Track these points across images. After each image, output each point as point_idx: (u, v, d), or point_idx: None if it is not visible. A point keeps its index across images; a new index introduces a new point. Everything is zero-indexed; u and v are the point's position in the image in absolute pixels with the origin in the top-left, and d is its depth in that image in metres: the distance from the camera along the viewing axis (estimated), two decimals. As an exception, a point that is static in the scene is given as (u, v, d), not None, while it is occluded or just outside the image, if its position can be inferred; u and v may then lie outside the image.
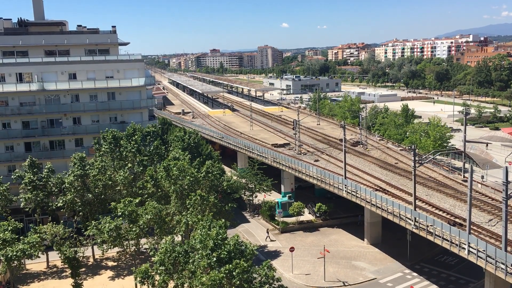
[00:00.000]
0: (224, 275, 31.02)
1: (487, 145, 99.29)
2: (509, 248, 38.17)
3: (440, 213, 48.59)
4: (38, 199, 57.00)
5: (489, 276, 39.96)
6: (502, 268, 36.57)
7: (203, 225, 35.84)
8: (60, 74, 66.84)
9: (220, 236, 33.58)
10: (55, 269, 56.01)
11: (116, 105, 69.07)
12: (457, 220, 46.35)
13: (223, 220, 37.03)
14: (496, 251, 37.04)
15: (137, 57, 71.79)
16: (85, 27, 76.12)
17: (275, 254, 57.68)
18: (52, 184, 57.86)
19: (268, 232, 63.24)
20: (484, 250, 38.14)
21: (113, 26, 73.09)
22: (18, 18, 74.15)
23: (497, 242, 40.39)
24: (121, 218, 47.92)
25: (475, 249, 39.18)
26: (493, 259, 37.22)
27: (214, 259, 32.26)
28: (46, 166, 58.93)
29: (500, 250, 37.04)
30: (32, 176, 56.94)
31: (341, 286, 49.50)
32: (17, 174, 58.28)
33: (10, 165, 65.23)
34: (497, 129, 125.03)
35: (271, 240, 61.99)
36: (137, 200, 49.95)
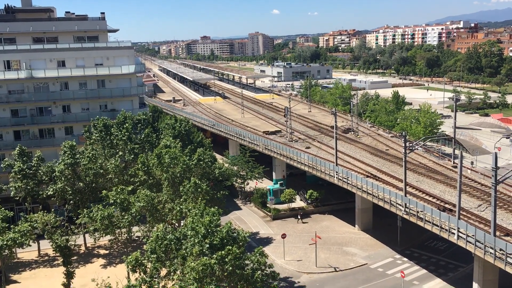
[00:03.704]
0: (216, 261, 31.08)
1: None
2: (498, 233, 38.62)
3: (430, 199, 49.01)
4: (28, 187, 56.68)
5: (478, 261, 40.48)
6: (491, 253, 37.04)
7: (195, 213, 35.82)
8: (49, 61, 65.98)
9: (214, 223, 33.62)
10: (46, 257, 55.92)
11: (106, 93, 68.44)
12: (447, 205, 46.79)
13: (216, 207, 37.05)
14: (485, 236, 37.49)
15: (126, 44, 70.99)
16: (74, 13, 75.16)
17: (267, 241, 57.98)
18: (42, 173, 57.49)
19: (299, 216, 63.91)
20: (473, 235, 38.57)
21: (102, 13, 72.19)
22: (5, 5, 73.05)
23: (486, 227, 40.84)
24: (113, 206, 47.79)
25: (464, 234, 39.61)
26: (482, 243, 37.67)
27: (207, 245, 32.30)
28: (36, 155, 58.50)
29: (489, 235, 37.47)
30: (21, 165, 56.53)
31: (332, 271, 49.96)
32: (6, 163, 57.85)
33: (-1, 153, 64.64)
34: (486, 115, 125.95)
35: (303, 222, 62.90)
36: (129, 188, 49.81)
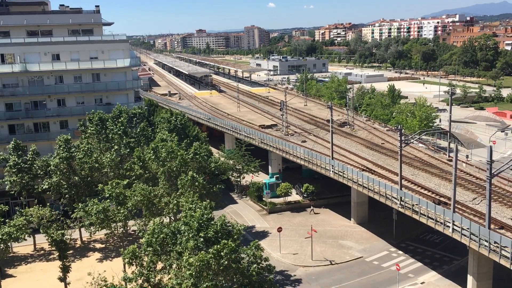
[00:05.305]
0: (212, 256, 31.09)
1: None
2: (492, 226, 38.86)
3: (426, 192, 49.18)
4: (24, 181, 56.49)
5: (473, 253, 40.68)
6: (485, 246, 37.24)
7: (189, 207, 35.79)
8: (43, 55, 65.58)
9: (206, 216, 33.58)
10: (42, 251, 55.86)
11: (101, 87, 68.15)
12: (442, 199, 46.98)
13: (208, 200, 37.01)
14: (480, 229, 37.67)
15: (121, 38, 70.61)
16: (68, 6, 74.59)
17: (263, 235, 58.10)
18: (37, 167, 57.28)
19: (312, 207, 64.78)
20: (468, 228, 38.77)
21: (96, 6, 71.72)
22: (-2, -2, 72.38)
23: (481, 220, 41.06)
24: (108, 200, 47.72)
25: (459, 227, 39.82)
26: (477, 236, 37.86)
27: (201, 239, 32.30)
28: (31, 149, 58.25)
29: (483, 228, 37.68)
30: (16, 159, 56.30)
31: (328, 265, 50.15)
32: (1, 157, 57.57)
33: (-6, 147, 64.29)
34: (482, 109, 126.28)
35: (315, 213, 63.80)
36: (125, 182, 49.71)
